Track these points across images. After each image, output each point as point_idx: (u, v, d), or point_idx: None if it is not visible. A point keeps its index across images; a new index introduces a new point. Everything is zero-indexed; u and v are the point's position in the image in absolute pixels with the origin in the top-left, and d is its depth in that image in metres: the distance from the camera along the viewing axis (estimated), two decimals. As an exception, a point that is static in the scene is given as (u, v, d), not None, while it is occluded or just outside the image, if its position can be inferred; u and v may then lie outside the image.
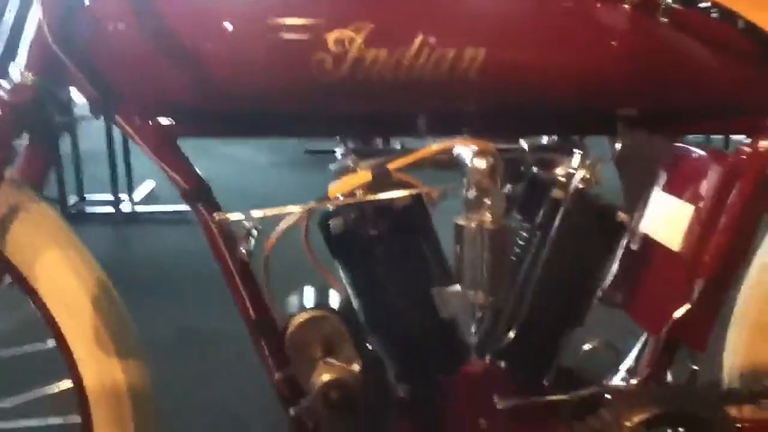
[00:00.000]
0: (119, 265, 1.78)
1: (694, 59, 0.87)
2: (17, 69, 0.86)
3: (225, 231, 0.90)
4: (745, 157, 0.87)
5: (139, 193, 3.53)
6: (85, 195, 3.44)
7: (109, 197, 3.35)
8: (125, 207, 3.38)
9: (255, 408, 1.66)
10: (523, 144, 0.94)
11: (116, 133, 3.41)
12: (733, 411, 0.99)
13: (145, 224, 3.29)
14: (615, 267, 1.02)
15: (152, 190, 3.62)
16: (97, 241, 2.88)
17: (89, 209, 3.41)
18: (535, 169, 0.95)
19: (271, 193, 3.50)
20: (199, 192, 0.90)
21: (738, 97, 0.89)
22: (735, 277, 0.90)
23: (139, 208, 3.40)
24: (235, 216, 0.89)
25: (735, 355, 1.02)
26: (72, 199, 3.37)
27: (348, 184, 0.88)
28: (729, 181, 0.86)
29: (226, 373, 1.85)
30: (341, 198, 0.87)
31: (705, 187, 0.89)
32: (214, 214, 0.89)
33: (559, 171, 0.92)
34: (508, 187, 0.98)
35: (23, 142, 0.90)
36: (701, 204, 0.88)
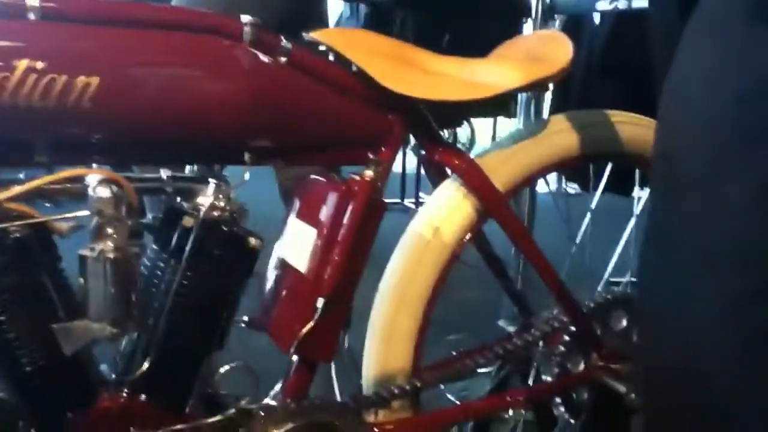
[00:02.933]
0: None
1: (310, 97, 0.96)
2: None
3: None
4: (355, 186, 0.97)
5: None
6: None
7: None
8: None
9: None
10: (163, 174, 0.95)
11: None
12: (370, 417, 1.09)
13: None
14: (262, 292, 1.08)
15: None
16: None
17: None
18: (178, 199, 0.96)
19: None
20: None
21: (350, 133, 1.00)
22: (353, 292, 0.99)
23: None
24: None
25: (370, 364, 1.12)
26: None
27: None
28: (343, 206, 0.96)
29: None
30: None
31: (324, 212, 0.97)
32: None
33: (199, 200, 0.95)
34: (149, 217, 0.99)
35: None
36: (321, 227, 0.97)
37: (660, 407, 0.60)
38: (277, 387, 1.06)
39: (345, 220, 0.95)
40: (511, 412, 1.35)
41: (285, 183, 1.50)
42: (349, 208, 0.96)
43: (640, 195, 1.50)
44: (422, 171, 4.35)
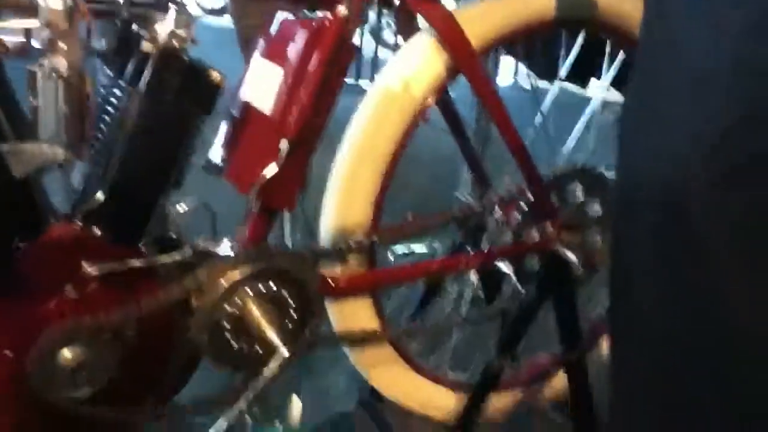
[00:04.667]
0: None
1: None
2: None
3: None
4: (327, 24, 0.92)
5: None
6: None
7: None
8: None
9: None
10: None
11: None
12: (326, 270, 1.09)
13: None
14: (220, 136, 1.04)
15: None
16: None
17: None
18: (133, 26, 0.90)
19: None
20: None
21: None
22: (317, 137, 0.97)
23: None
24: None
25: (328, 218, 1.11)
26: None
27: None
28: (313, 43, 0.92)
29: None
30: None
31: (293, 50, 0.93)
32: None
33: (157, 27, 0.89)
34: (102, 43, 0.92)
35: None
36: (289, 66, 0.93)
37: (630, 226, 0.60)
38: (235, 232, 1.04)
39: (314, 59, 0.91)
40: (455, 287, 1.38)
41: (246, 31, 1.43)
42: (319, 46, 0.91)
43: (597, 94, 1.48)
44: (378, 53, 4.30)
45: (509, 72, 4.43)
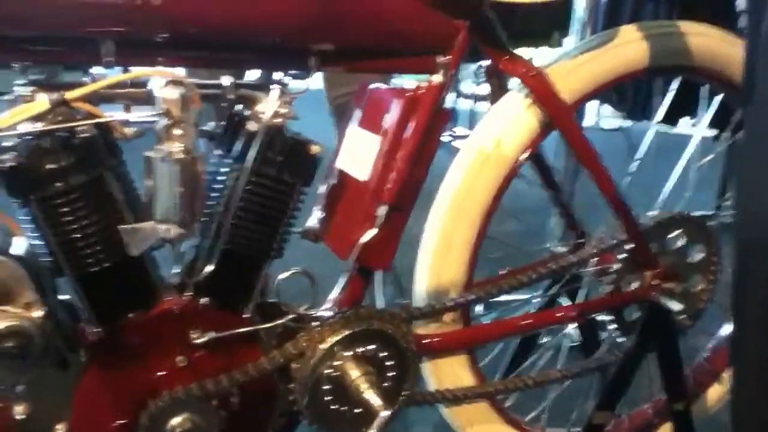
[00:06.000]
0: None
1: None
2: None
3: None
4: (422, 91, 0.94)
5: None
6: None
7: None
8: None
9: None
10: (225, 81, 0.93)
11: None
12: (420, 328, 1.09)
13: None
14: (318, 204, 1.07)
15: None
16: None
17: None
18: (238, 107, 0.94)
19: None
20: None
21: (415, 37, 0.96)
22: (414, 201, 0.98)
23: None
24: None
25: (422, 276, 1.11)
26: None
27: (21, 113, 0.80)
28: (409, 112, 0.94)
29: None
30: (14, 130, 0.79)
31: (389, 119, 0.95)
32: None
33: (261, 107, 0.92)
34: (211, 124, 0.97)
35: None
36: (386, 134, 0.95)
37: (755, 265, 0.59)
38: (332, 295, 1.06)
39: (410, 127, 0.93)
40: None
41: (337, 100, 1.48)
42: (415, 114, 0.93)
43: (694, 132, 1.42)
44: (457, 105, 4.29)
45: (593, 113, 4.37)
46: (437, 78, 0.94)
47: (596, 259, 1.19)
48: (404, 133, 0.93)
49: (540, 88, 1.02)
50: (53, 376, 0.88)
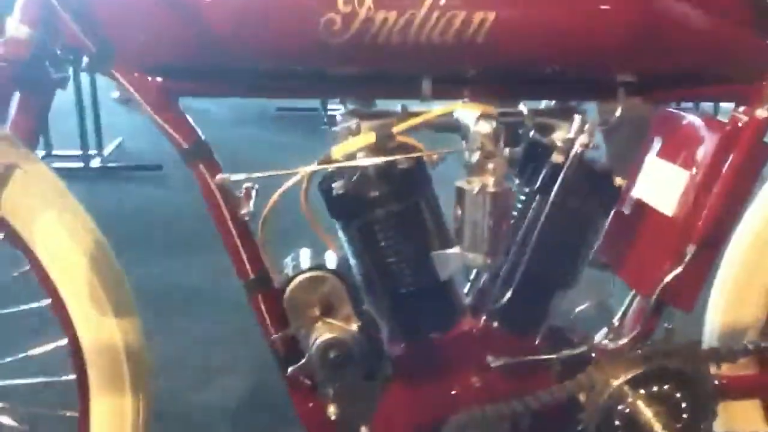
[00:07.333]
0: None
1: (690, 25, 0.88)
2: (12, 22, 0.83)
3: (225, 191, 0.90)
4: (741, 124, 0.89)
5: (108, 148, 3.48)
6: (53, 150, 3.36)
7: (78, 152, 3.28)
8: (94, 162, 3.33)
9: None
10: (523, 108, 0.95)
11: (85, 87, 3.33)
12: (713, 368, 1.03)
13: (114, 180, 3.24)
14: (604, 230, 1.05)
15: (120, 145, 3.57)
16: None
17: (57, 164, 3.34)
18: (532, 134, 0.96)
19: (242, 151, 3.46)
20: (199, 152, 0.89)
21: (730, 64, 0.91)
22: (725, 240, 0.93)
23: (109, 164, 3.35)
24: (236, 177, 0.88)
25: (716, 314, 1.05)
26: (39, 154, 3.29)
27: (351, 145, 0.88)
28: (724, 148, 0.89)
29: (210, 331, 1.85)
30: (343, 160, 0.87)
31: (700, 153, 0.91)
32: (217, 176, 0.88)
33: (558, 135, 0.93)
34: (506, 150, 0.99)
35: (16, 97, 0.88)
36: (696, 170, 0.91)
37: None
38: (617, 322, 1.04)
39: (726, 163, 0.88)
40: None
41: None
42: (732, 150, 0.88)
43: None
44: None
45: None
46: (762, 113, 0.87)
47: None
48: (719, 169, 0.89)
49: None
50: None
